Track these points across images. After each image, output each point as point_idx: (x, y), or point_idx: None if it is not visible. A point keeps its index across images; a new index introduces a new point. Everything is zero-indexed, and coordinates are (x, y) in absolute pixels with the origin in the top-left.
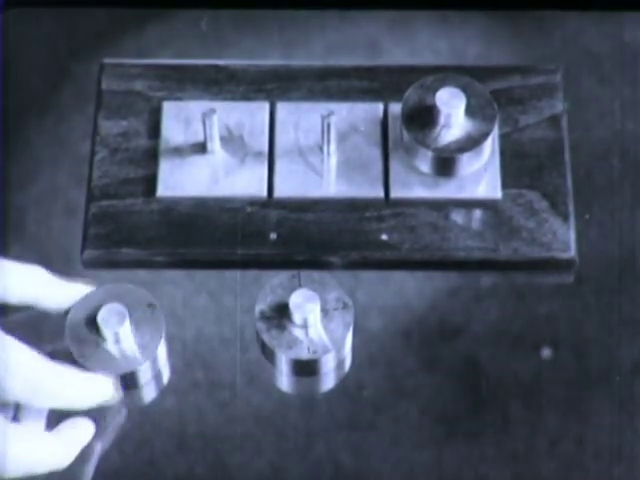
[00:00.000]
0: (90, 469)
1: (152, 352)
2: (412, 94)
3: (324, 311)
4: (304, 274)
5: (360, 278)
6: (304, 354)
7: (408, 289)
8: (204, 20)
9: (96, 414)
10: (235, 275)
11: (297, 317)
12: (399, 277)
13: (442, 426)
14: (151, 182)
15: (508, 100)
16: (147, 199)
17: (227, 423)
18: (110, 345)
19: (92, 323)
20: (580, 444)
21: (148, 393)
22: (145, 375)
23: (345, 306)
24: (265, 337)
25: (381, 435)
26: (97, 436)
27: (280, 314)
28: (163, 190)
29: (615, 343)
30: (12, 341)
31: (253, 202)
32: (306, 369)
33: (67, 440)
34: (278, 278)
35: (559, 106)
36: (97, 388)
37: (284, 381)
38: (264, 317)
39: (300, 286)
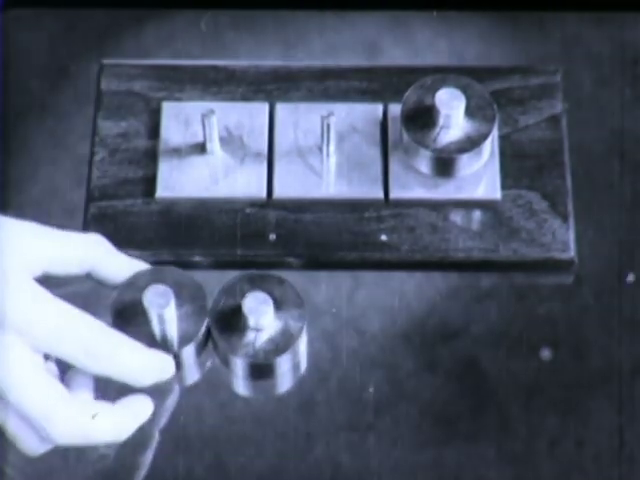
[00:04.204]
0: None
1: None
2: (412, 94)
3: (277, 313)
4: (256, 275)
5: (359, 279)
6: (258, 357)
7: (407, 290)
8: (204, 20)
9: (151, 393)
10: (234, 275)
11: (251, 320)
12: (398, 278)
13: (442, 427)
14: (150, 183)
15: (508, 100)
16: (146, 200)
17: (227, 423)
18: (154, 326)
19: (138, 304)
20: (580, 445)
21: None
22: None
23: (298, 307)
24: (219, 341)
25: (381, 436)
26: (154, 415)
27: (234, 317)
28: (162, 191)
29: (615, 343)
30: (69, 306)
31: (252, 203)
32: (261, 372)
33: (126, 413)
34: (230, 281)
35: (559, 106)
36: (157, 362)
37: (240, 384)
38: (218, 321)
39: (252, 289)
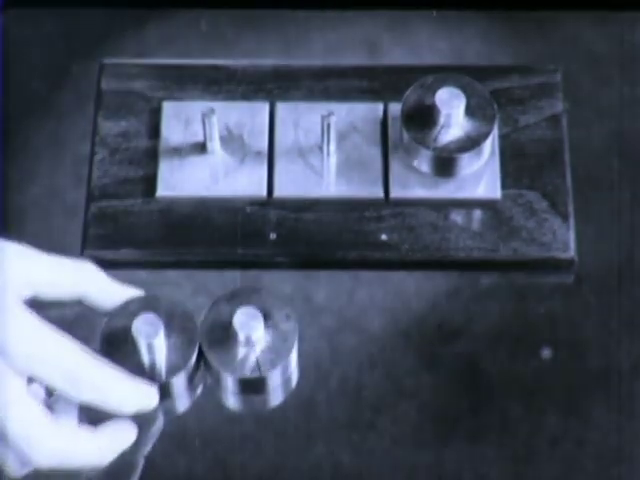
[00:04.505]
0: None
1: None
2: (412, 94)
3: (268, 327)
4: (245, 290)
5: (360, 278)
6: (250, 372)
7: (408, 289)
8: (204, 20)
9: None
10: (235, 275)
11: (241, 335)
12: (399, 277)
13: (442, 426)
14: (151, 182)
15: (508, 100)
16: (147, 199)
17: (227, 423)
18: (143, 355)
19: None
20: (580, 444)
21: None
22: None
23: (288, 320)
24: (210, 357)
25: (381, 435)
26: (138, 442)
27: (224, 333)
28: (163, 190)
29: (615, 343)
30: (53, 331)
31: (253, 202)
32: (253, 387)
33: (108, 438)
34: (220, 297)
35: (559, 106)
36: (140, 392)
37: (231, 400)
38: (208, 337)
39: (242, 304)
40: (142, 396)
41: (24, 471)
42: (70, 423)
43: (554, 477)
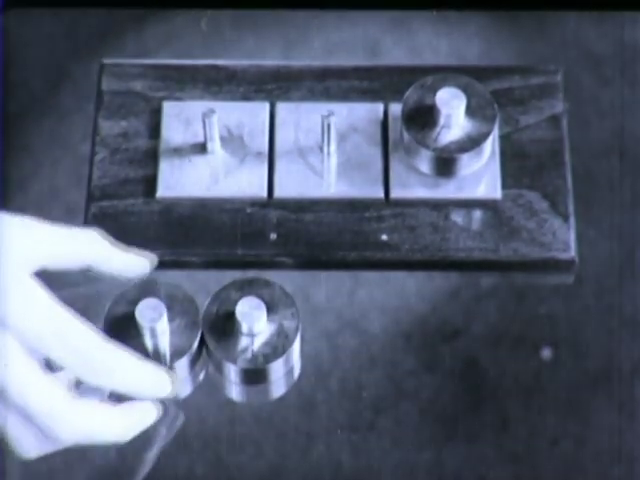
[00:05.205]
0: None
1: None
2: (412, 94)
3: (271, 318)
4: (245, 280)
5: (360, 278)
6: (252, 363)
7: (408, 289)
8: (204, 20)
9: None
10: (235, 275)
11: (244, 326)
12: (399, 277)
13: (442, 426)
14: (151, 182)
15: (508, 100)
16: (147, 199)
17: (227, 423)
18: (147, 340)
19: (131, 317)
20: (580, 444)
21: None
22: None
23: (292, 312)
24: (213, 347)
25: (381, 435)
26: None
27: (227, 323)
28: (163, 190)
29: (615, 343)
30: (65, 309)
31: (253, 202)
32: (255, 377)
33: (130, 415)
34: (223, 288)
35: (559, 106)
36: (154, 376)
37: (233, 390)
38: (211, 327)
39: (247, 294)
40: (156, 380)
41: (40, 451)
42: (92, 399)
43: (554, 477)
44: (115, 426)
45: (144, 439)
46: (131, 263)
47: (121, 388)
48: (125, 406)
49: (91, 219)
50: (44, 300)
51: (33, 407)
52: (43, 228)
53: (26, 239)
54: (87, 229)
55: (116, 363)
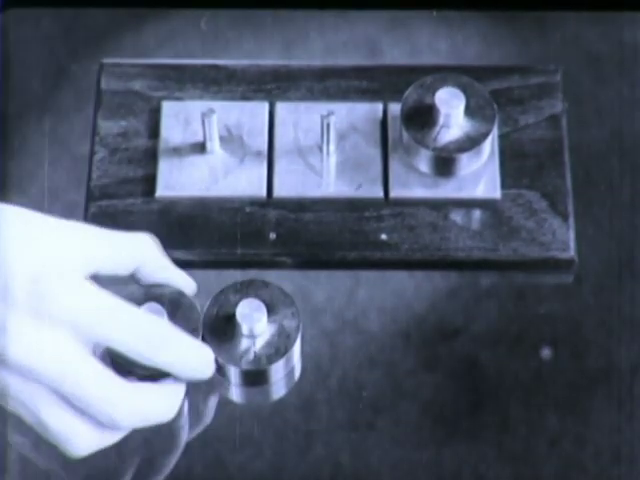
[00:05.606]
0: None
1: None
2: (412, 94)
3: (271, 319)
4: (248, 283)
5: (360, 278)
6: (255, 364)
7: (407, 289)
8: (204, 20)
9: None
10: (235, 275)
11: (245, 327)
12: (398, 277)
13: (442, 426)
14: (150, 182)
15: (508, 100)
16: (146, 199)
17: (227, 423)
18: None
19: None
20: (580, 444)
21: None
22: None
23: (292, 312)
24: (214, 350)
25: (381, 435)
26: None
27: (227, 326)
28: (162, 190)
29: (614, 343)
30: (116, 299)
31: (252, 202)
32: (257, 379)
33: (170, 392)
34: (222, 290)
35: (558, 106)
36: (207, 358)
37: (234, 392)
38: (212, 330)
39: (246, 296)
40: (205, 360)
41: (93, 446)
42: (135, 382)
43: (554, 477)
44: (164, 405)
45: (144, 439)
46: (179, 279)
47: (175, 365)
48: (162, 384)
49: (90, 218)
50: (94, 290)
51: (90, 394)
52: (95, 233)
53: (81, 245)
54: (139, 233)
55: (174, 340)
